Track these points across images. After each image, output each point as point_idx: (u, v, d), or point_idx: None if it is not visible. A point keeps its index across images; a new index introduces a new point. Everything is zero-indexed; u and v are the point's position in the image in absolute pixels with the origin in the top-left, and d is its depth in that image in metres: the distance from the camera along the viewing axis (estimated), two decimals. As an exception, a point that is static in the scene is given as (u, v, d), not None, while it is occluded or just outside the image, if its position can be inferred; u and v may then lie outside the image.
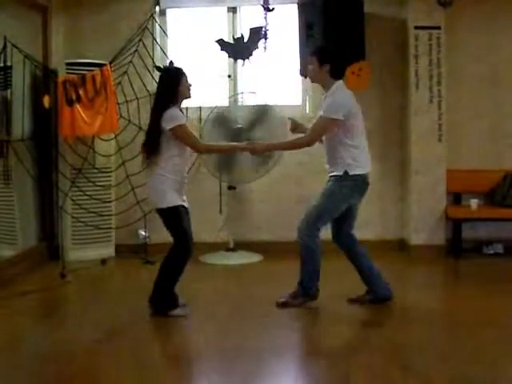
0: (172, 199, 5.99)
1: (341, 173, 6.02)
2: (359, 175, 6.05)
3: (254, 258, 8.30)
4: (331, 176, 6.13)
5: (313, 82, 6.46)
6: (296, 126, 6.45)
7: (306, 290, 6.17)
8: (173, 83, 5.98)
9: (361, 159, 6.06)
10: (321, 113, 6.03)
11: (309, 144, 6.15)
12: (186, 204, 6.17)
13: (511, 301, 6.35)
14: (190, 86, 6.10)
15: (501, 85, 8.55)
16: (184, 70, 6.10)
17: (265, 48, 8.06)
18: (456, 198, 8.60)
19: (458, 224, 8.29)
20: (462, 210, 8.33)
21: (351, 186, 6.05)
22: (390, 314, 6.10)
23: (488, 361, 4.82)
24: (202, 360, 5.03)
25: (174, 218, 6.06)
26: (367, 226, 8.69)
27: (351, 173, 6.01)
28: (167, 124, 5.83)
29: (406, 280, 7.53)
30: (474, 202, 8.23)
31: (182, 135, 5.89)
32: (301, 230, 6.13)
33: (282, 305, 6.19)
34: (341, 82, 6.16)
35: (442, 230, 8.36)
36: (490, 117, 8.56)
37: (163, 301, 6.00)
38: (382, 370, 4.68)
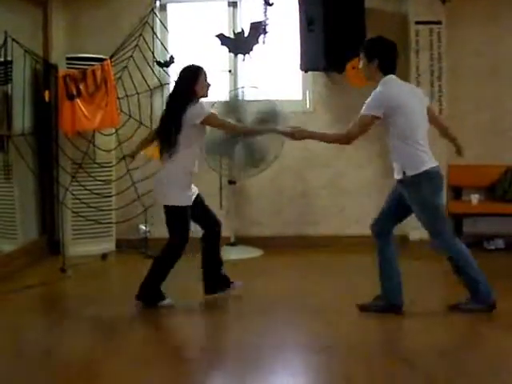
0: (178, 198, 6.03)
1: (400, 176, 5.78)
2: (421, 173, 5.70)
3: (255, 252, 8.30)
4: (397, 181, 5.89)
5: (368, 80, 5.96)
6: None
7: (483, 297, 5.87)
8: (190, 81, 5.99)
9: (418, 156, 5.73)
10: (361, 111, 5.72)
11: (347, 141, 5.86)
12: (193, 196, 6.15)
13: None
14: (209, 85, 6.10)
15: (502, 79, 8.54)
16: (204, 69, 6.11)
17: (264, 42, 8.06)
18: (457, 193, 8.59)
19: (458, 219, 8.29)
20: (463, 205, 8.33)
21: (417, 187, 5.72)
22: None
23: (488, 356, 4.83)
24: (202, 356, 5.03)
25: (177, 217, 6.10)
26: (368, 221, 8.67)
27: (410, 174, 5.70)
28: (197, 119, 5.86)
29: (407, 275, 7.50)
30: (474, 197, 8.23)
31: (217, 122, 6.10)
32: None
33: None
34: (390, 76, 5.70)
35: (443, 226, 8.35)
36: (491, 111, 8.55)
37: (151, 295, 6.08)
38: (382, 366, 4.68)
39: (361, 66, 5.86)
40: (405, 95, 5.68)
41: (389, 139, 5.79)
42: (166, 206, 6.10)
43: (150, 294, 6.09)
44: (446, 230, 5.86)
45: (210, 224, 6.34)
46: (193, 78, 6.00)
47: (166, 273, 6.14)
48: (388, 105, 5.59)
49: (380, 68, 5.68)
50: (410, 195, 5.73)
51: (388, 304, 5.86)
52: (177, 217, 6.09)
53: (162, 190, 6.08)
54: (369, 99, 5.66)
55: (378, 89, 5.67)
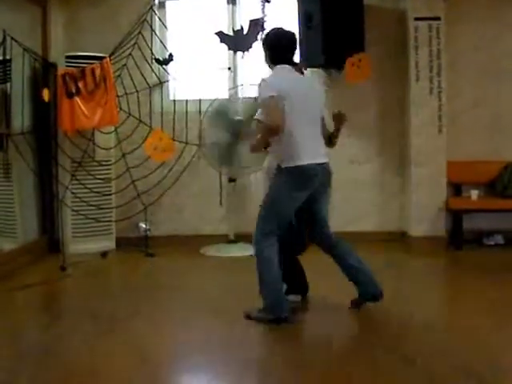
0: None
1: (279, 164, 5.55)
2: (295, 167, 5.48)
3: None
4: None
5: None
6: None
7: None
8: None
9: (297, 150, 5.47)
10: None
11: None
12: None
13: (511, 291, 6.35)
14: None
15: (501, 75, 8.53)
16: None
17: (261, 39, 8.05)
18: (456, 189, 8.59)
19: (458, 215, 8.29)
20: (463, 201, 8.33)
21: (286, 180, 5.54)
22: (391, 306, 6.09)
23: (489, 351, 4.83)
24: (203, 353, 5.03)
25: None
26: (368, 218, 8.70)
27: (283, 166, 5.50)
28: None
29: (407, 271, 7.53)
30: (474, 193, 8.23)
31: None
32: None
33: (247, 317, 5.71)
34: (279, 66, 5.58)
35: (443, 222, 8.36)
36: (491, 107, 8.55)
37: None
38: (383, 363, 4.68)
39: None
40: (287, 83, 5.49)
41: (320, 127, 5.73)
42: None
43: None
44: (272, 228, 5.65)
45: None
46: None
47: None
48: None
49: (270, 59, 5.66)
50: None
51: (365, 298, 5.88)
52: None
53: None
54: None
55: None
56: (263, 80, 5.45)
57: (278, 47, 5.65)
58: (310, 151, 5.53)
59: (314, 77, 5.87)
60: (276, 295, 5.58)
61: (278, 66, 5.59)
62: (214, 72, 8.66)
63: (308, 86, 5.73)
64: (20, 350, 5.13)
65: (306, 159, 5.48)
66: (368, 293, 5.79)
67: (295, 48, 5.74)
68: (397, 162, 8.68)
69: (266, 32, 6.04)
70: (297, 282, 6.16)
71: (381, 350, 4.93)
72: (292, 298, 6.00)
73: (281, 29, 5.79)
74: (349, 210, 8.65)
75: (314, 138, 5.63)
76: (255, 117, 5.66)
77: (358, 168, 8.68)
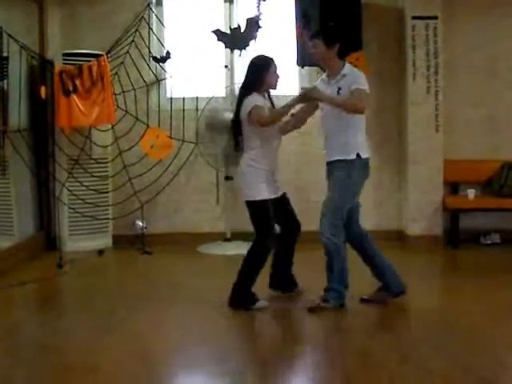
0: (259, 192, 5.91)
1: (353, 157, 5.75)
2: (367, 158, 5.87)
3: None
4: (337, 161, 5.82)
5: (322, 66, 6.27)
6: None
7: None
8: (260, 71, 5.93)
9: (365, 142, 5.92)
10: (355, 86, 5.68)
11: (362, 110, 5.73)
12: (277, 194, 6.10)
13: (508, 291, 6.35)
14: (278, 77, 6.02)
15: (498, 75, 8.55)
16: (274, 60, 6.02)
17: (255, 38, 8.06)
18: (453, 188, 8.61)
19: (455, 214, 8.29)
20: (460, 200, 8.34)
21: (361, 170, 5.84)
22: (388, 304, 6.10)
23: (485, 350, 4.83)
24: (201, 350, 5.03)
25: (260, 211, 5.94)
26: (364, 217, 8.58)
27: (363, 156, 5.81)
28: (245, 110, 5.82)
29: (404, 270, 7.50)
30: (471, 192, 8.24)
31: (254, 116, 5.78)
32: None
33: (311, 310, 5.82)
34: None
35: (440, 220, 8.38)
36: (488, 107, 8.56)
37: (243, 298, 5.89)
38: (380, 361, 4.68)
39: (316, 52, 5.97)
40: None
41: (346, 121, 5.78)
42: (247, 202, 6.01)
43: (242, 298, 5.90)
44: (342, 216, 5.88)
45: (291, 225, 6.24)
46: (263, 67, 5.94)
47: (257, 273, 5.92)
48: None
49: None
50: (341, 171, 5.82)
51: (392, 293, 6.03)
52: (259, 211, 5.95)
53: (243, 186, 6.06)
54: (357, 76, 5.79)
55: (356, 70, 5.92)
56: (359, 71, 5.88)
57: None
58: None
59: None
60: (344, 283, 5.85)
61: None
62: (211, 70, 8.66)
63: None
64: (17, 347, 5.14)
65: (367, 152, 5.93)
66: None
67: None
68: (394, 161, 8.68)
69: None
70: (286, 275, 6.27)
71: (378, 348, 4.94)
72: (261, 304, 5.94)
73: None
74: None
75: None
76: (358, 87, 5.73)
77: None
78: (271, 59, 6.00)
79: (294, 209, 6.28)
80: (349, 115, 5.69)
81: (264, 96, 6.01)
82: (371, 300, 6.00)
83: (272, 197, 5.97)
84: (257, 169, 5.88)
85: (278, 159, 6.13)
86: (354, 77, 5.76)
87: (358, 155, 5.75)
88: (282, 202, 6.16)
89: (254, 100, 5.82)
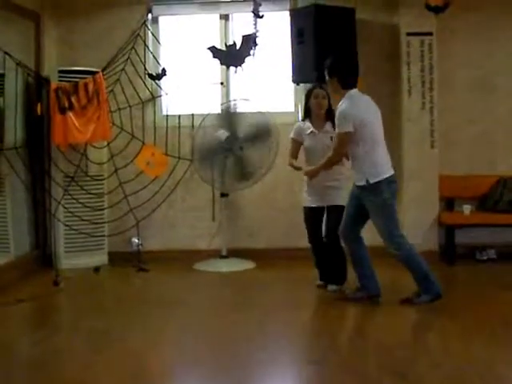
0: (303, 199, 7.08)
1: (363, 183, 6.24)
2: (380, 181, 6.21)
3: (247, 265, 8.29)
4: (357, 186, 6.36)
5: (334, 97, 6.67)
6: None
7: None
8: (305, 101, 6.99)
9: (379, 165, 6.24)
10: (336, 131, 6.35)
11: (337, 161, 6.51)
12: (314, 204, 6.93)
13: (504, 307, 6.35)
14: (318, 103, 6.84)
15: (493, 90, 8.56)
16: (313, 89, 6.93)
17: (253, 55, 8.08)
18: (449, 204, 8.61)
19: (450, 230, 8.29)
20: (455, 216, 8.34)
21: (387, 188, 6.24)
22: (383, 320, 6.10)
23: (481, 366, 4.82)
24: (197, 369, 5.02)
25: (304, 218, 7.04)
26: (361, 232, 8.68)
27: (372, 181, 6.18)
28: None
29: (400, 287, 7.51)
30: (466, 208, 8.24)
31: None
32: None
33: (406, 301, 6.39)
34: (352, 91, 6.26)
35: (435, 236, 8.37)
36: (482, 122, 8.57)
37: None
38: (375, 378, 4.67)
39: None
40: (364, 107, 6.31)
41: (351, 151, 6.30)
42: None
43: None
44: (399, 231, 6.40)
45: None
46: (306, 98, 7.00)
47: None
48: (353, 119, 6.14)
49: (341, 84, 6.32)
50: (371, 200, 6.26)
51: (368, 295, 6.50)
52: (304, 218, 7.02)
53: None
54: (337, 117, 6.26)
55: (341, 105, 6.23)
56: (342, 112, 6.16)
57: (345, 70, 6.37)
58: (388, 163, 6.37)
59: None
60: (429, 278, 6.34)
61: (352, 92, 6.28)
62: (206, 87, 8.68)
63: (373, 106, 6.45)
64: (12, 365, 5.12)
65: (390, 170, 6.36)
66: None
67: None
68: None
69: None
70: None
71: (371, 364, 4.93)
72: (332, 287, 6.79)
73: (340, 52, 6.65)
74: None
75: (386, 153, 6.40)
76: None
77: (350, 184, 8.67)
78: (309, 90, 7.05)
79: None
80: (349, 151, 6.28)
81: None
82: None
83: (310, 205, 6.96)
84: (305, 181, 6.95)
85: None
86: (337, 115, 6.26)
87: (366, 181, 6.18)
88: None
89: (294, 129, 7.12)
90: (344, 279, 6.89)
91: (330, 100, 6.86)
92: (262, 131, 8.04)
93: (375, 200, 6.21)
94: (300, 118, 7.41)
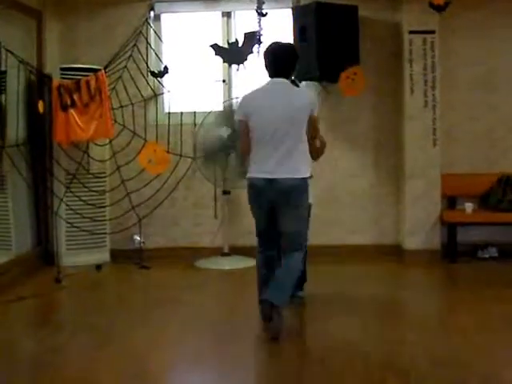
0: None
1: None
2: (248, 179, 5.81)
3: (249, 262, 8.27)
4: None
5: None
6: None
7: None
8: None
9: (252, 163, 5.75)
10: None
11: (242, 152, 6.02)
12: None
13: (506, 305, 6.34)
14: None
15: (495, 89, 8.55)
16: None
17: (258, 53, 8.07)
18: (451, 202, 8.60)
19: (452, 228, 8.28)
20: (457, 214, 8.33)
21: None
22: (385, 319, 6.10)
23: (484, 366, 4.83)
24: (199, 367, 5.02)
25: None
26: (363, 231, 8.69)
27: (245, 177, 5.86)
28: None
29: (402, 284, 7.53)
30: (468, 206, 8.23)
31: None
32: None
33: None
34: (270, 80, 5.76)
35: (437, 234, 8.36)
36: (485, 121, 8.56)
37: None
38: (377, 377, 4.67)
39: None
40: (254, 99, 5.77)
41: (295, 141, 5.62)
42: None
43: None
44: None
45: None
46: None
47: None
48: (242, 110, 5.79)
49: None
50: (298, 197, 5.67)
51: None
52: None
53: None
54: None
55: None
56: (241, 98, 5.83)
57: (265, 61, 5.79)
58: (261, 166, 5.66)
59: (299, 90, 5.90)
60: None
61: (268, 81, 5.76)
62: (208, 84, 8.67)
63: (282, 99, 5.66)
64: (14, 363, 5.13)
65: (253, 173, 5.72)
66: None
67: (287, 60, 5.80)
68: (391, 175, 8.68)
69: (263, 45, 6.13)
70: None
71: (374, 363, 4.93)
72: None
73: (274, 43, 5.89)
74: (344, 223, 8.67)
75: (281, 154, 5.57)
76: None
77: (353, 181, 8.68)
78: None
79: None
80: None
81: None
82: None
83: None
84: None
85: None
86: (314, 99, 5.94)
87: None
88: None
89: None
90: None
91: None
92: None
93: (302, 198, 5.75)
94: None
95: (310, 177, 5.72)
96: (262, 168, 5.64)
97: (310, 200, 5.96)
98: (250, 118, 5.62)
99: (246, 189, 7.87)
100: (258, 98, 5.70)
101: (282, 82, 5.71)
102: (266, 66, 5.75)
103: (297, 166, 5.59)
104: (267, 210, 5.73)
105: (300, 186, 5.60)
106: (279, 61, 5.72)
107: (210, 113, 8.27)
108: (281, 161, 5.55)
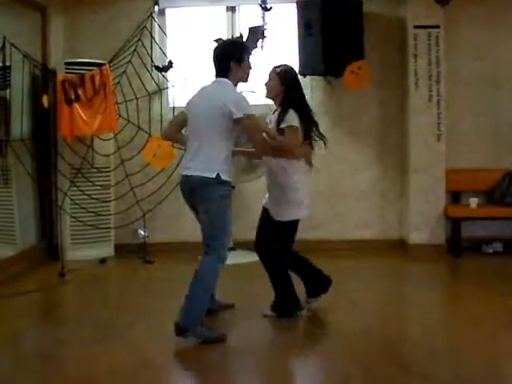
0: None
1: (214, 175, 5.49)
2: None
3: (254, 257, 8.26)
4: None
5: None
6: None
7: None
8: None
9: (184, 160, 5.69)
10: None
11: None
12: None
13: (509, 299, 6.34)
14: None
15: (500, 83, 8.55)
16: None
17: (262, 47, 8.06)
18: (455, 197, 8.60)
19: (457, 223, 8.28)
20: (462, 209, 8.33)
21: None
22: (389, 313, 6.10)
23: (487, 359, 4.83)
24: (201, 359, 5.03)
25: None
26: (367, 226, 8.70)
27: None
28: None
29: (406, 279, 7.53)
30: (473, 201, 8.23)
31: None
32: None
33: None
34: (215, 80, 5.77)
35: (442, 229, 8.36)
36: (489, 115, 8.56)
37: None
38: (381, 370, 4.67)
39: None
40: (196, 95, 5.78)
41: (208, 140, 5.46)
42: None
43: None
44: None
45: None
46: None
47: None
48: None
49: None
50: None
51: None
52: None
53: None
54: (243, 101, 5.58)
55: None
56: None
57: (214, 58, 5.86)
58: (184, 162, 5.64)
59: (224, 90, 5.70)
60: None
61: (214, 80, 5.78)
62: (213, 79, 8.65)
63: (206, 98, 5.61)
64: (18, 357, 5.14)
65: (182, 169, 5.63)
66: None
67: (218, 60, 5.82)
68: (396, 170, 8.68)
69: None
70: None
71: (379, 358, 4.93)
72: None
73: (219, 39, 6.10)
74: (349, 217, 8.67)
75: (194, 150, 5.49)
76: None
77: (358, 175, 8.68)
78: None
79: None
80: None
81: None
82: None
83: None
84: None
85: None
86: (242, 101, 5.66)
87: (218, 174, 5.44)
88: None
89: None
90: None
91: (294, 88, 6.14)
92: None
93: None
94: None
95: (226, 182, 5.46)
96: (183, 164, 5.70)
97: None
98: (187, 114, 5.67)
99: (250, 183, 7.98)
100: (195, 96, 5.73)
101: (219, 81, 5.70)
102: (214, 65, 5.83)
103: (206, 164, 5.40)
104: (192, 208, 5.77)
105: (207, 185, 5.40)
106: (213, 60, 5.82)
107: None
108: (193, 157, 5.48)
